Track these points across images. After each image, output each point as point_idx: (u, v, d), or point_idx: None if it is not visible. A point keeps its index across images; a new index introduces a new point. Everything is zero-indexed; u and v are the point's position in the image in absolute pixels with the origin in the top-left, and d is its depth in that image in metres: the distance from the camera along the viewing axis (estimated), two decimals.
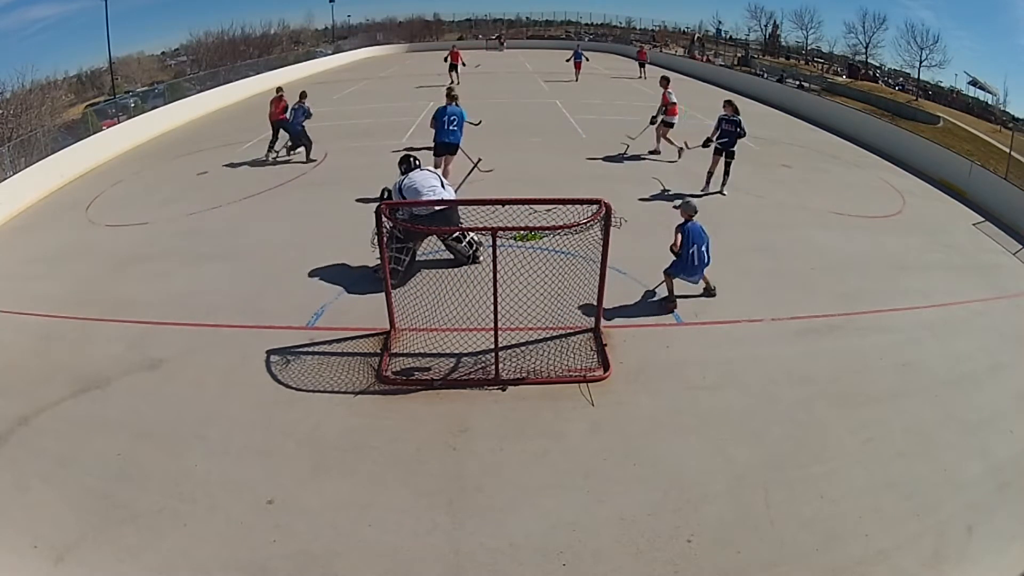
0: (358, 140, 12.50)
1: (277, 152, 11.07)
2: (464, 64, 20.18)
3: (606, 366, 4.93)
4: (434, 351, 5.11)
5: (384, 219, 4.87)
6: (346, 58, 30.63)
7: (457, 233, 6.29)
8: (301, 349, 5.26)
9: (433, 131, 8.72)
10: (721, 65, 27.51)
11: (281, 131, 10.92)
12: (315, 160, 10.97)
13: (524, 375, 4.84)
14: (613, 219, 4.81)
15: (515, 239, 6.42)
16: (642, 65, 22.04)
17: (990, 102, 25.20)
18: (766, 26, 36.59)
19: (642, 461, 4.02)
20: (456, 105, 8.77)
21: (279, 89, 11.27)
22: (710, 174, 8.95)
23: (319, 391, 4.73)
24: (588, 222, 4.67)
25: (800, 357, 5.15)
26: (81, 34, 30.11)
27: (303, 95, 10.83)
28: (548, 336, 5.31)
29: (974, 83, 26.19)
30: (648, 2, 51.03)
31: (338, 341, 5.33)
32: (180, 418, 4.47)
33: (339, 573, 3.30)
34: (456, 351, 5.09)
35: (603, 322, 5.42)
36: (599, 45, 34.79)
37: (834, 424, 4.38)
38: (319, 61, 28.10)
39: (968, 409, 4.59)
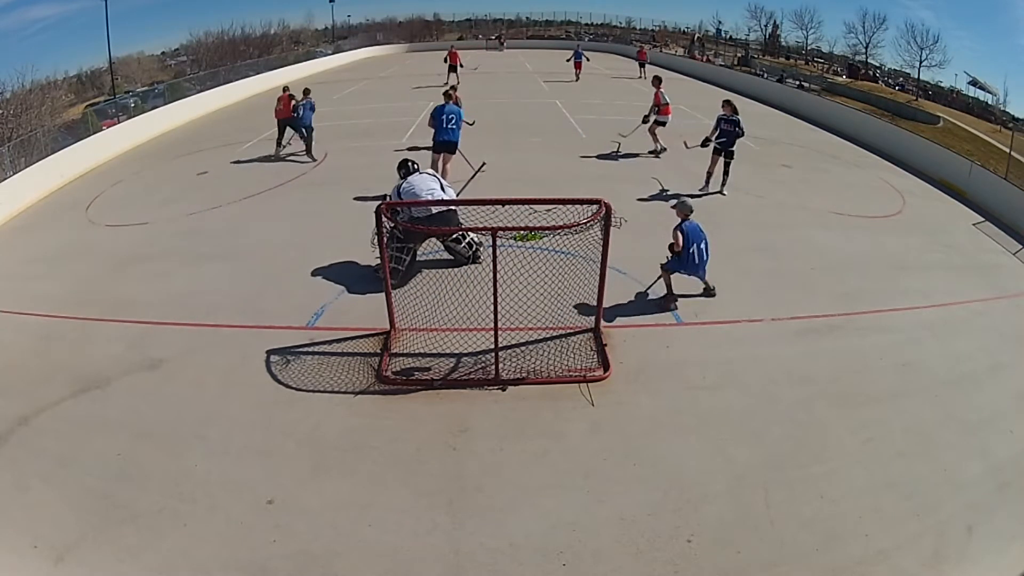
0: (358, 140, 12.50)
1: (284, 146, 11.28)
2: (462, 65, 20.18)
3: (606, 366, 4.93)
4: (434, 351, 5.11)
5: (384, 219, 4.87)
6: (346, 58, 30.62)
7: (457, 235, 6.29)
8: (301, 349, 5.26)
9: (432, 130, 8.85)
10: (721, 65, 27.50)
11: (287, 128, 11.13)
12: (315, 160, 11.01)
13: (524, 375, 4.84)
14: (613, 219, 4.81)
15: (515, 239, 6.42)
16: (642, 65, 22.04)
17: (990, 102, 25.22)
18: (766, 26, 36.63)
19: (642, 461, 4.02)
20: (454, 104, 8.91)
21: (286, 88, 11.43)
22: (709, 174, 8.96)
23: (319, 391, 4.73)
24: (588, 222, 4.68)
25: (800, 357, 5.16)
26: (81, 34, 30.13)
27: (307, 91, 11.20)
28: (548, 336, 5.31)
29: (974, 83, 26.21)
30: (648, 2, 51.08)
31: (338, 341, 5.33)
32: (180, 418, 4.47)
33: (339, 573, 3.30)
34: (456, 351, 5.09)
35: (603, 322, 5.42)
36: (599, 45, 34.77)
37: (834, 424, 4.38)
38: (319, 61, 28.09)
39: (968, 409, 4.59)
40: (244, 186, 9.67)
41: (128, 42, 29.98)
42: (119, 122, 14.94)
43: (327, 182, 9.80)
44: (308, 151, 11.09)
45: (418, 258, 6.40)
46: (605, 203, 4.77)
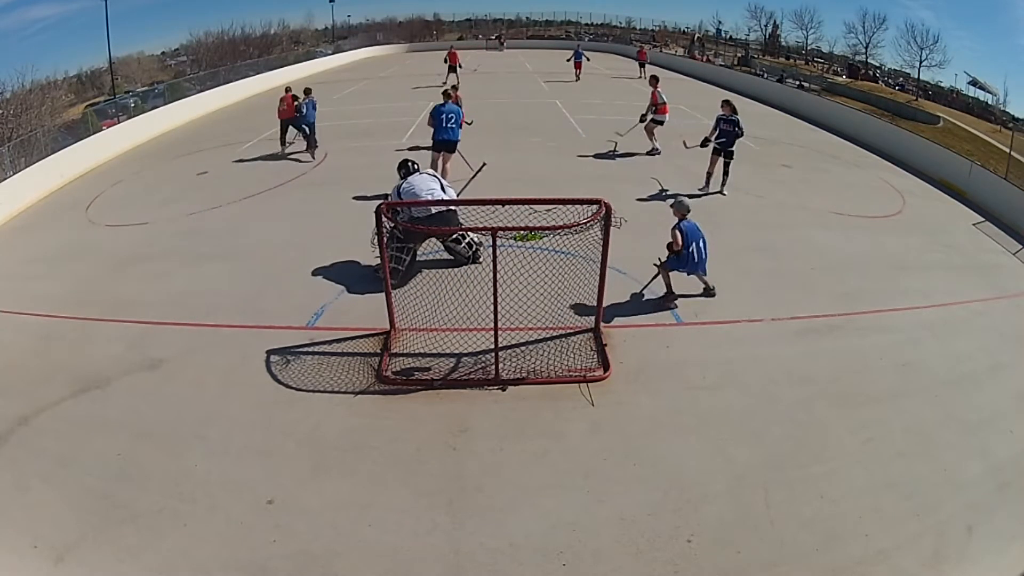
0: (358, 140, 12.50)
1: (290, 143, 11.45)
2: (461, 66, 20.20)
3: (606, 366, 4.93)
4: (434, 351, 5.11)
5: (384, 219, 4.87)
6: (346, 58, 30.63)
7: (457, 235, 6.29)
8: (301, 349, 5.26)
9: (431, 129, 8.92)
10: (721, 65, 27.51)
11: (289, 127, 11.27)
12: (314, 159, 11.04)
13: (524, 375, 4.84)
14: (613, 219, 4.81)
15: (515, 239, 6.42)
16: (642, 65, 22.05)
17: (990, 102, 25.22)
18: (766, 26, 36.64)
19: (642, 461, 4.02)
20: (454, 103, 8.99)
21: (288, 88, 11.53)
22: (709, 174, 8.97)
23: (319, 391, 4.73)
24: (588, 222, 4.68)
25: (800, 357, 5.15)
26: (81, 34, 30.14)
27: (308, 91, 11.38)
28: (548, 336, 5.31)
29: (974, 83, 26.21)
30: (648, 2, 51.17)
31: (338, 341, 5.33)
32: (180, 418, 4.47)
33: (339, 573, 3.30)
34: (456, 351, 5.09)
35: (603, 322, 5.42)
36: (599, 45, 34.78)
37: (834, 424, 4.38)
38: (319, 61, 28.10)
39: (968, 409, 4.59)
40: (244, 186, 9.67)
41: (128, 42, 30.04)
42: (119, 122, 14.95)
43: (327, 182, 9.80)
44: (310, 148, 11.23)
45: (418, 258, 6.40)
46: (605, 203, 4.77)
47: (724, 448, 4.13)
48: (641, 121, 10.93)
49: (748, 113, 14.20)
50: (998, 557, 3.43)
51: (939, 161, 11.00)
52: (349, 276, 6.47)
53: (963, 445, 4.23)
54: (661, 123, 10.75)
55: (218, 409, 4.56)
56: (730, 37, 37.96)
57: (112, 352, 5.31)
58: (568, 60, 21.26)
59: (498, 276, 4.60)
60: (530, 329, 5.21)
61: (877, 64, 30.91)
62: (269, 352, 5.18)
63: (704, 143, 8.95)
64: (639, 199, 8.62)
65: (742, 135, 8.68)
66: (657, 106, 10.61)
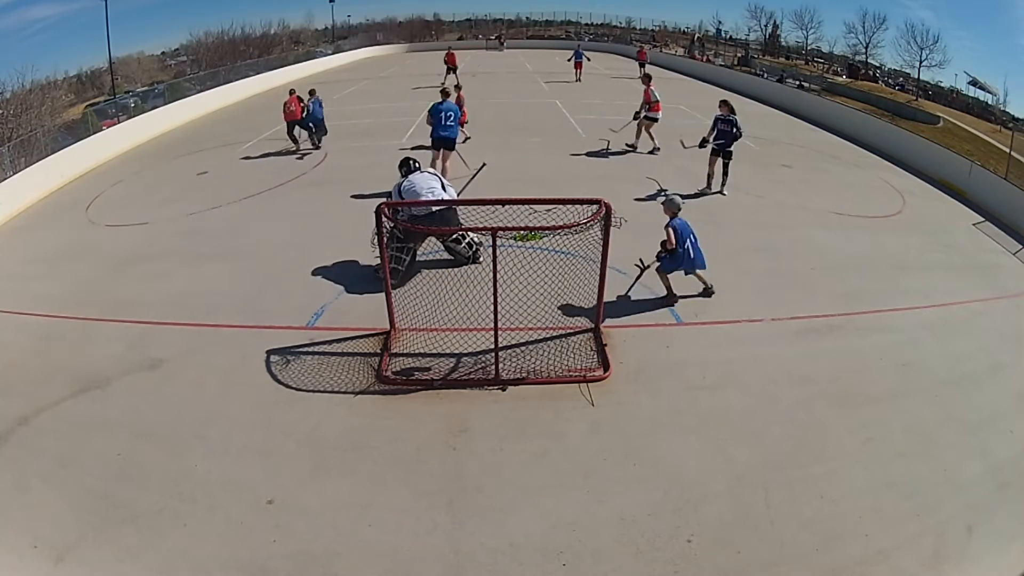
0: (358, 140, 12.51)
1: (303, 142, 11.71)
2: (457, 68, 20.22)
3: (606, 366, 4.93)
4: (434, 351, 5.11)
5: (384, 219, 4.87)
6: (346, 58, 30.65)
7: (457, 235, 6.29)
8: (301, 349, 5.26)
9: (430, 127, 9.00)
10: (721, 65, 27.51)
11: (295, 127, 11.47)
12: (320, 147, 11.22)
13: (524, 375, 4.84)
14: (613, 219, 4.81)
15: (515, 239, 6.42)
16: (642, 65, 22.01)
17: (990, 102, 25.20)
18: (766, 26, 36.62)
19: (642, 461, 4.02)
20: (451, 102, 9.13)
21: (292, 91, 11.69)
22: (710, 175, 8.97)
23: (319, 391, 4.73)
24: (588, 222, 4.68)
25: (800, 357, 5.15)
26: (81, 34, 30.12)
27: (312, 92, 11.76)
28: (548, 336, 5.31)
29: (974, 83, 26.19)
30: (648, 2, 51.12)
31: (338, 341, 5.33)
32: (180, 418, 4.47)
33: (339, 573, 3.30)
34: (456, 351, 5.09)
35: (603, 322, 5.42)
36: (599, 45, 34.78)
37: (834, 424, 4.38)
38: (319, 61, 28.12)
39: (968, 409, 4.59)
40: (244, 186, 9.67)
41: (128, 42, 30.02)
42: (119, 122, 14.96)
43: (327, 182, 9.80)
44: (317, 143, 11.62)
45: (418, 258, 6.40)
46: (605, 203, 4.77)
47: (724, 448, 4.13)
48: (635, 119, 11.04)
49: (748, 113, 14.20)
50: (998, 557, 3.43)
51: (939, 161, 11.00)
52: (349, 276, 6.48)
53: (963, 445, 4.23)
54: (655, 120, 10.83)
55: (218, 409, 4.56)
56: (730, 37, 37.96)
57: (112, 352, 5.31)
58: (568, 60, 21.26)
59: (498, 276, 4.60)
60: (530, 329, 5.21)
61: (877, 64, 30.93)
62: (269, 352, 5.18)
63: (702, 144, 8.95)
64: (639, 199, 8.62)
65: (740, 136, 8.66)
66: (650, 104, 10.72)
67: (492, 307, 4.70)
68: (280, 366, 5.02)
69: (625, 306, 5.86)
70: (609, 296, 5.39)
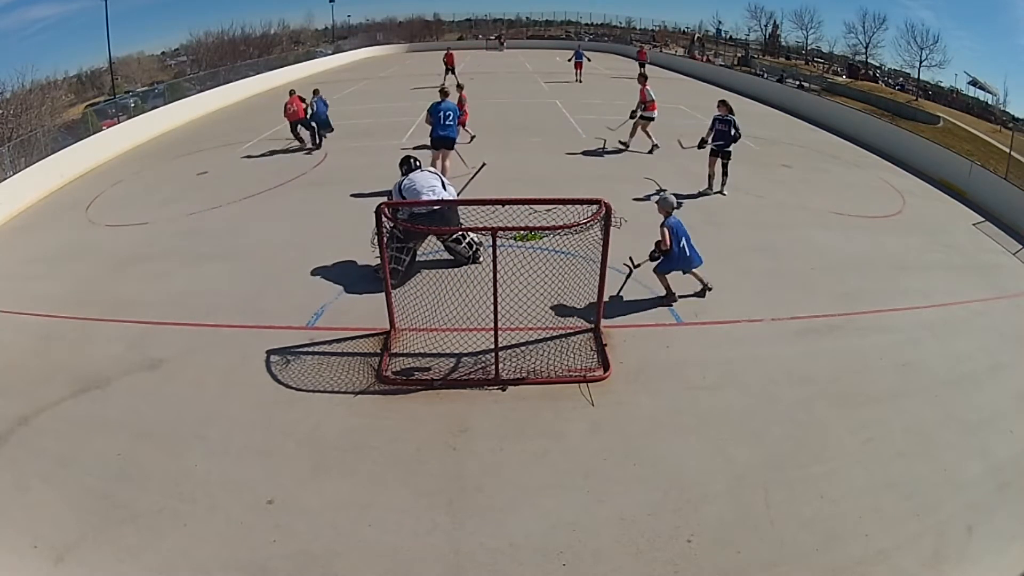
0: (358, 140, 12.51)
1: (312, 140, 11.86)
2: (455, 68, 20.23)
3: (606, 366, 4.93)
4: (434, 351, 5.11)
5: (384, 219, 4.87)
6: (346, 58, 30.66)
7: (457, 235, 6.29)
8: (301, 349, 5.25)
9: (429, 127, 9.04)
10: (721, 65, 27.52)
11: (299, 126, 11.62)
12: (317, 146, 11.23)
13: (524, 375, 4.84)
14: (613, 219, 4.81)
15: (515, 239, 6.42)
16: (642, 65, 22.02)
17: (990, 102, 25.21)
18: (766, 26, 36.65)
19: (642, 461, 4.02)
20: (450, 101, 9.17)
21: (292, 91, 11.79)
22: (710, 176, 8.96)
23: (319, 391, 4.73)
24: (588, 222, 4.68)
25: (800, 357, 5.15)
26: (81, 34, 30.17)
27: (316, 91, 11.90)
28: (548, 336, 5.31)
29: (974, 83, 26.20)
30: (648, 2, 51.23)
31: (338, 341, 5.33)
32: (180, 418, 4.47)
33: (339, 573, 3.30)
34: (456, 351, 5.09)
35: (603, 322, 5.42)
36: (599, 45, 34.80)
37: (834, 424, 4.38)
38: (319, 61, 28.13)
39: (968, 409, 4.59)
40: (244, 186, 9.67)
41: (128, 42, 30.04)
42: (119, 122, 14.97)
43: (327, 182, 9.80)
44: (319, 142, 11.70)
45: (418, 258, 6.40)
46: (605, 203, 4.77)
47: (724, 448, 4.13)
48: (631, 117, 11.13)
49: (748, 113, 14.22)
50: (998, 557, 3.43)
51: (939, 161, 11.00)
52: (349, 276, 6.48)
53: (963, 445, 4.23)
54: (651, 119, 10.91)
55: (218, 409, 4.56)
56: (730, 37, 37.99)
57: (112, 352, 5.31)
58: (569, 60, 21.26)
59: (498, 276, 4.60)
60: (530, 329, 5.21)
61: (877, 64, 30.95)
62: (269, 352, 5.18)
63: (701, 144, 8.95)
64: (639, 199, 8.62)
65: (739, 137, 8.65)
66: (646, 103, 10.79)
67: (492, 307, 4.70)
68: (280, 366, 5.02)
69: (625, 306, 5.86)
70: (609, 296, 5.38)
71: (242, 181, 10.01)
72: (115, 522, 3.61)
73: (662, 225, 5.74)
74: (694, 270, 5.92)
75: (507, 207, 4.94)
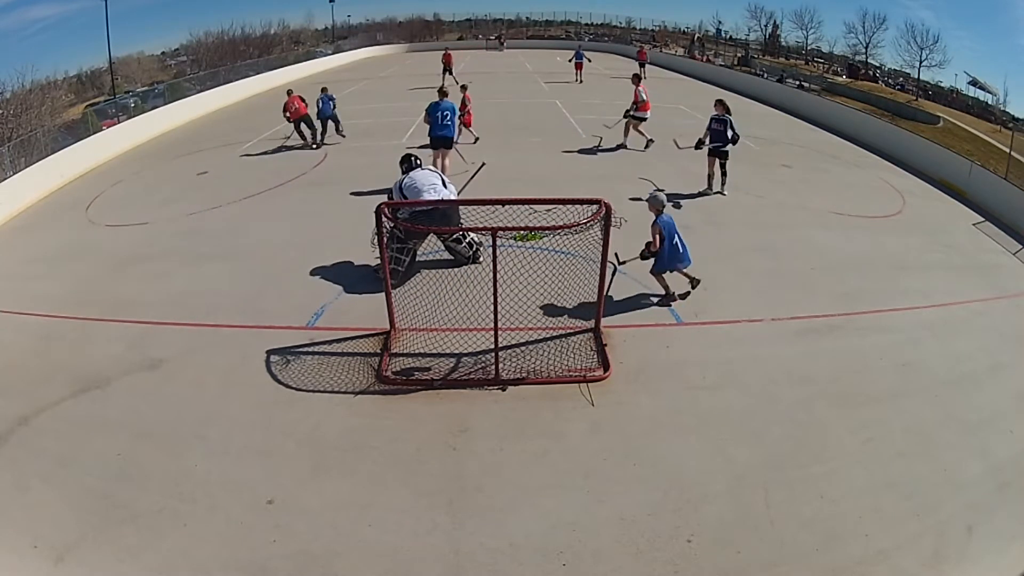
0: (358, 140, 12.50)
1: (316, 137, 11.98)
2: (452, 68, 20.24)
3: (606, 366, 4.93)
4: (434, 351, 5.11)
5: (384, 219, 4.87)
6: (346, 58, 30.66)
7: (457, 234, 6.29)
8: (301, 349, 5.25)
9: (427, 126, 9.08)
10: (721, 65, 27.52)
11: (301, 124, 11.67)
12: (313, 154, 11.17)
13: (524, 375, 4.84)
14: (613, 219, 4.81)
15: (515, 239, 6.42)
16: (642, 65, 22.03)
17: (990, 102, 25.21)
18: (766, 26, 36.63)
19: (642, 461, 4.02)
20: (448, 101, 9.19)
21: (290, 91, 11.88)
22: (710, 176, 8.96)
23: (319, 391, 4.73)
24: (588, 222, 4.68)
25: (800, 357, 5.15)
26: (81, 34, 30.15)
27: (324, 89, 12.11)
28: (548, 336, 5.31)
29: (974, 83, 26.19)
30: (648, 2, 51.23)
31: (338, 341, 5.33)
32: (180, 418, 4.47)
33: (339, 573, 3.30)
34: (456, 351, 5.09)
35: (603, 322, 5.42)
36: (599, 45, 34.79)
37: (834, 424, 4.38)
38: (319, 61, 28.13)
39: (968, 409, 4.59)
40: (244, 186, 9.67)
41: (128, 42, 30.04)
42: (119, 122, 14.98)
43: (327, 182, 9.80)
44: (320, 141, 11.77)
45: (418, 258, 6.40)
46: (605, 203, 4.77)
47: (724, 448, 4.13)
48: (624, 116, 11.27)
49: (748, 113, 14.23)
50: (998, 557, 3.43)
51: (939, 161, 11.00)
52: (349, 276, 6.48)
53: (963, 445, 4.23)
54: (643, 119, 11.04)
55: (218, 409, 4.56)
56: (730, 37, 37.98)
57: (112, 352, 5.31)
58: (570, 61, 21.26)
59: (498, 276, 4.60)
60: (530, 329, 5.22)
61: (877, 64, 30.94)
62: (269, 352, 5.18)
63: (698, 145, 8.95)
64: (638, 199, 8.61)
65: (735, 139, 8.63)
66: (638, 104, 10.91)
67: (492, 307, 4.70)
68: (280, 366, 5.02)
69: (625, 306, 5.86)
70: (608, 296, 5.38)
71: (242, 181, 10.01)
72: (115, 522, 3.61)
73: (653, 224, 5.74)
74: (684, 269, 5.91)
75: (507, 207, 4.94)
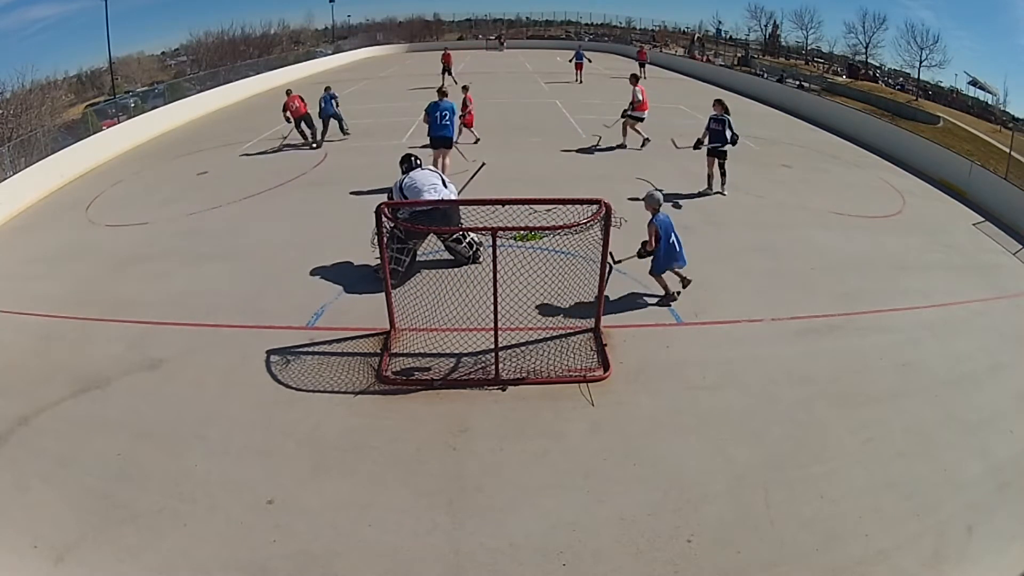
0: (358, 140, 12.51)
1: (317, 137, 12.05)
2: (451, 68, 20.25)
3: (606, 366, 4.93)
4: (434, 351, 5.11)
5: (384, 219, 4.87)
6: (346, 58, 30.67)
7: (457, 234, 6.29)
8: (301, 349, 5.25)
9: (427, 126, 9.10)
10: (721, 65, 27.53)
11: (303, 123, 11.75)
12: (313, 154, 11.19)
13: (524, 375, 4.83)
14: (613, 219, 4.81)
15: (515, 239, 6.42)
16: (642, 65, 22.03)
17: (990, 102, 25.22)
18: (766, 26, 36.66)
19: (642, 461, 4.02)
20: (448, 101, 9.21)
21: (289, 91, 11.96)
22: (710, 176, 8.96)
23: (319, 391, 4.73)
24: (588, 222, 4.68)
25: (800, 357, 5.15)
26: (81, 34, 30.17)
27: (328, 88, 12.23)
28: (548, 336, 5.31)
29: (974, 83, 26.20)
30: (648, 2, 51.27)
31: (338, 341, 5.33)
32: (180, 418, 4.47)
33: (339, 573, 3.30)
34: (456, 351, 5.09)
35: (603, 322, 5.42)
36: (599, 45, 34.80)
37: (834, 424, 4.38)
38: (319, 61, 28.15)
39: (968, 409, 4.59)
40: (244, 186, 9.67)
41: (128, 42, 30.05)
42: (119, 122, 14.98)
43: (327, 182, 9.80)
44: (316, 140, 11.82)
45: (418, 258, 6.40)
46: (605, 203, 4.77)
47: (724, 448, 4.13)
48: (622, 116, 11.34)
49: (748, 113, 14.23)
50: (998, 557, 3.43)
51: (939, 161, 11.00)
52: (349, 276, 6.48)
53: (963, 445, 4.23)
54: (640, 119, 11.11)
55: (218, 409, 4.56)
56: (730, 37, 37.99)
57: (112, 352, 5.31)
58: (570, 61, 21.26)
59: (498, 276, 4.60)
60: (530, 329, 5.22)
61: (877, 64, 30.95)
62: (269, 352, 5.18)
63: (697, 145, 8.96)
64: (638, 199, 8.60)
65: (734, 139, 8.62)
66: (634, 104, 10.98)
67: (492, 307, 4.70)
68: (280, 366, 5.02)
69: (625, 306, 5.86)
70: (609, 296, 5.38)
71: (242, 181, 10.01)
72: (115, 522, 3.61)
73: (650, 223, 5.74)
74: (678, 269, 5.91)
75: (507, 207, 4.94)
